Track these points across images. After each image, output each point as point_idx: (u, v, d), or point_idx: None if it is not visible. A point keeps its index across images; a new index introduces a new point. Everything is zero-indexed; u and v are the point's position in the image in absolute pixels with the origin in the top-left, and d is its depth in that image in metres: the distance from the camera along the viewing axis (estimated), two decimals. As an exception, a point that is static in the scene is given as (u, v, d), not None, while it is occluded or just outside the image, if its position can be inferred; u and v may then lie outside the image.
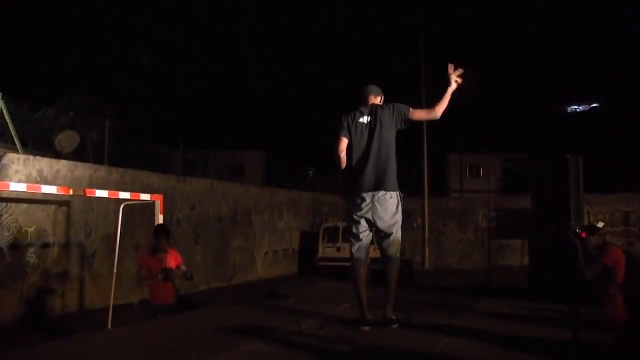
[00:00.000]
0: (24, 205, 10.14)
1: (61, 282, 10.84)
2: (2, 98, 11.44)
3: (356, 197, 4.92)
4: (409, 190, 25.53)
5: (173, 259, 7.00)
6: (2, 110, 11.44)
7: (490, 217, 23.64)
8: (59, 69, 24.21)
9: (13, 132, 11.61)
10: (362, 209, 4.90)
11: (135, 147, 15.53)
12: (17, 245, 10.02)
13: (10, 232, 9.92)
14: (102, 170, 12.03)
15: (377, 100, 5.21)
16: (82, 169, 11.50)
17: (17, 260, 10.03)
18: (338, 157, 5.00)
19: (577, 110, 29.24)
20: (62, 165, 11.07)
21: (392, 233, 4.92)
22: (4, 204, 9.76)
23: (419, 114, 5.19)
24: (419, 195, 23.03)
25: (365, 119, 5.00)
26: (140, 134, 16.69)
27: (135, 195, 8.43)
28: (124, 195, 8.38)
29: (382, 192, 4.84)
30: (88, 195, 8.82)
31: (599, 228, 6.41)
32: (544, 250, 7.26)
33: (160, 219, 8.35)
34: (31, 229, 10.32)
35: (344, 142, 4.99)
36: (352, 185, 4.95)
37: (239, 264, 16.96)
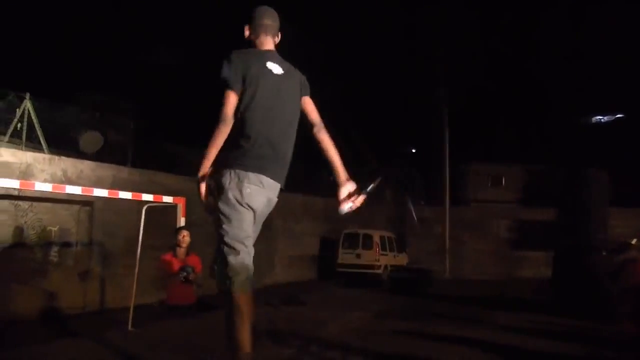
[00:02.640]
0: (48, 205, 10.29)
1: (83, 280, 10.97)
2: (29, 98, 11.62)
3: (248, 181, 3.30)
4: (429, 199, 25.34)
5: (192, 262, 7.06)
6: (29, 110, 11.62)
7: (510, 228, 23.45)
8: (80, 66, 24.47)
9: (39, 133, 11.80)
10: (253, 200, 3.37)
11: (156, 147, 15.65)
12: (40, 244, 10.18)
13: (35, 230, 10.08)
14: (124, 171, 12.19)
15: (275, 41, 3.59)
16: (105, 170, 11.65)
17: (41, 258, 10.20)
18: (221, 123, 3.23)
19: (602, 121, 28.83)
20: (86, 165, 11.23)
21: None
22: (29, 202, 9.92)
23: (310, 109, 3.61)
24: (440, 204, 22.91)
25: (278, 70, 3.41)
26: (162, 133, 16.80)
27: (157, 198, 8.51)
28: (147, 197, 8.46)
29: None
30: (111, 196, 8.92)
31: (631, 244, 6.32)
32: (568, 264, 7.19)
33: (182, 222, 8.44)
34: (55, 228, 10.48)
35: (234, 100, 3.26)
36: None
37: (258, 268, 16.95)
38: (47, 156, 10.71)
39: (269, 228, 17.68)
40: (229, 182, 3.30)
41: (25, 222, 9.92)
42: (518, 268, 22.12)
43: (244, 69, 3.30)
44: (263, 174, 3.37)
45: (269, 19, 3.54)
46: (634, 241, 6.56)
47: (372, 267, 19.07)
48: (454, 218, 23.35)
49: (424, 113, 28.78)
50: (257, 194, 3.41)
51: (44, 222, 10.24)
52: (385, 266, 19.33)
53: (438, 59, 22.85)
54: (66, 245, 10.68)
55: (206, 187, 3.35)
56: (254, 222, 3.67)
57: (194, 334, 4.79)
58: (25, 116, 11.61)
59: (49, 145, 12.39)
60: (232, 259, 3.59)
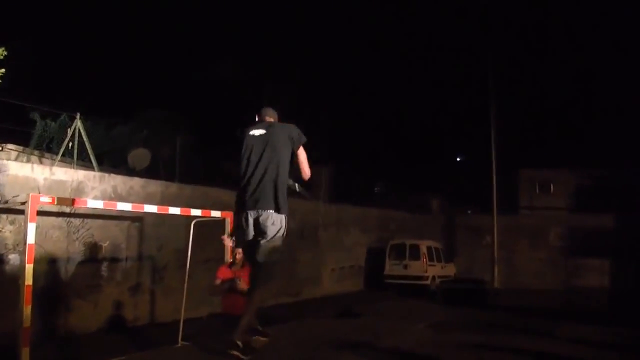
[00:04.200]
0: (100, 220, 10.45)
1: (133, 295, 11.08)
2: (79, 118, 11.88)
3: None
4: (477, 207, 24.82)
5: (245, 274, 7.15)
6: (80, 130, 11.87)
7: (564, 236, 22.78)
8: (135, 84, 25.01)
9: (89, 151, 12.03)
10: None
11: (205, 162, 15.79)
12: (92, 259, 10.32)
13: (86, 246, 10.24)
14: (173, 187, 12.30)
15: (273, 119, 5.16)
16: (154, 186, 11.77)
17: (93, 273, 10.33)
18: None
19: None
20: (136, 182, 11.37)
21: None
22: (81, 219, 10.08)
23: (304, 156, 4.98)
24: (489, 212, 22.44)
25: (258, 132, 4.95)
26: (211, 148, 16.95)
27: (206, 213, 8.54)
28: (195, 212, 8.50)
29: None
30: (161, 212, 8.99)
31: None
32: (629, 273, 6.88)
33: (230, 236, 8.43)
34: (105, 244, 10.62)
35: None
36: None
37: (306, 280, 16.92)
38: (97, 174, 10.88)
39: (316, 240, 17.61)
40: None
41: (77, 239, 10.08)
42: (573, 277, 21.41)
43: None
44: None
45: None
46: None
47: (420, 278, 18.81)
48: (504, 226, 22.80)
49: (472, 119, 28.44)
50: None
51: (95, 237, 10.39)
52: (433, 277, 19.04)
53: (487, 62, 22.46)
54: (116, 260, 10.81)
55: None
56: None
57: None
58: (76, 135, 11.86)
59: (102, 164, 12.63)
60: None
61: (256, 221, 4.75)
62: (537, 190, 28.57)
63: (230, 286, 7.06)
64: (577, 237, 21.94)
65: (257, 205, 4.70)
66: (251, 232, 4.80)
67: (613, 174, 21.17)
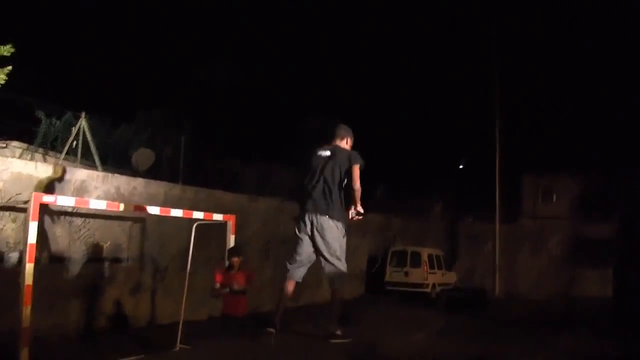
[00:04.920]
0: (101, 220, 10.43)
1: (134, 296, 11.05)
2: (84, 117, 11.89)
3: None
4: (479, 213, 24.70)
5: (240, 278, 7.39)
6: (84, 129, 11.88)
7: (565, 244, 22.73)
8: (140, 83, 25.04)
9: (93, 150, 12.03)
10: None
11: (209, 163, 15.78)
12: (93, 259, 10.30)
13: (87, 246, 10.22)
14: (176, 188, 12.28)
15: (343, 142, 6.23)
16: (157, 187, 11.75)
17: (93, 273, 10.31)
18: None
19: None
20: (139, 182, 11.35)
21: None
22: (83, 219, 10.07)
23: (358, 174, 5.88)
24: (490, 218, 22.41)
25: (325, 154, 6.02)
26: (214, 148, 16.95)
27: (208, 216, 8.55)
28: (198, 215, 8.50)
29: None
30: (163, 214, 8.99)
31: None
32: (631, 284, 6.85)
33: (231, 239, 8.46)
34: (107, 244, 10.60)
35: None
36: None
37: (306, 284, 16.85)
38: (100, 173, 10.87)
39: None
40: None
41: (78, 238, 10.06)
42: (573, 286, 21.36)
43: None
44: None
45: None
46: None
47: (420, 285, 18.80)
48: (505, 234, 22.75)
49: (474, 126, 28.38)
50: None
51: (96, 237, 10.37)
52: (434, 284, 19.03)
53: (490, 69, 22.47)
54: (117, 260, 10.78)
55: None
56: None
57: (241, 353, 4.72)
58: (81, 134, 11.87)
59: (106, 163, 12.63)
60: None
61: (312, 230, 5.68)
62: (540, 199, 28.49)
63: (229, 289, 7.26)
64: (579, 245, 21.89)
65: (315, 210, 5.67)
66: (306, 245, 5.77)
67: (617, 182, 21.04)
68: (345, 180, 5.79)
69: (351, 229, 18.55)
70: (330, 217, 5.60)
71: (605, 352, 5.47)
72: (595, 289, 19.64)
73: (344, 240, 5.80)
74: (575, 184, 26.37)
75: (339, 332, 5.57)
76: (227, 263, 7.73)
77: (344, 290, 6.02)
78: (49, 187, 9.37)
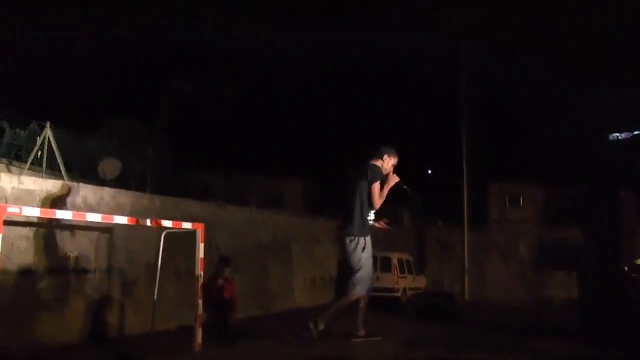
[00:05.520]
0: (68, 231, 10.26)
1: (102, 307, 10.88)
2: (49, 127, 11.71)
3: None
4: (447, 219, 25.04)
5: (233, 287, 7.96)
6: (49, 138, 11.71)
7: (533, 249, 23.10)
8: (106, 93, 24.76)
9: (59, 160, 11.86)
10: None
11: (177, 174, 15.69)
12: (60, 270, 10.12)
13: (54, 257, 10.03)
14: (144, 198, 12.15)
15: (378, 161, 6.80)
16: (125, 197, 11.61)
17: (61, 285, 10.12)
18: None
19: (620, 138, 28.35)
20: (106, 192, 11.20)
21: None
22: (49, 229, 9.89)
23: (374, 192, 6.52)
24: (459, 226, 22.68)
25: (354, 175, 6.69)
26: (183, 159, 16.87)
27: (177, 224, 8.48)
28: (166, 223, 8.44)
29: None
30: (131, 223, 8.89)
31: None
32: (596, 288, 7.01)
33: (201, 248, 8.40)
34: (74, 254, 10.42)
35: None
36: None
37: (278, 293, 16.85)
38: (66, 183, 10.70)
39: (287, 252, 17.56)
40: None
41: (44, 249, 9.87)
42: (541, 289, 21.70)
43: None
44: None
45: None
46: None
47: (391, 290, 18.88)
48: (474, 240, 23.05)
49: (442, 133, 28.71)
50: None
51: (63, 248, 10.19)
52: (404, 289, 19.14)
53: (457, 74, 22.79)
54: (84, 271, 10.61)
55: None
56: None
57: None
58: (46, 144, 11.69)
59: (72, 173, 12.46)
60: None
61: (343, 248, 6.56)
62: (507, 204, 28.95)
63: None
64: (546, 250, 22.28)
65: (342, 228, 6.60)
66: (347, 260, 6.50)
67: (580, 192, 21.53)
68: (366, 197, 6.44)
69: (320, 234, 18.54)
70: (348, 234, 6.37)
71: (573, 353, 5.58)
72: (561, 292, 20.01)
73: (363, 254, 6.47)
74: (541, 190, 26.90)
75: (317, 326, 6.27)
76: (225, 272, 8.30)
77: (353, 296, 6.66)
78: (14, 197, 9.19)
